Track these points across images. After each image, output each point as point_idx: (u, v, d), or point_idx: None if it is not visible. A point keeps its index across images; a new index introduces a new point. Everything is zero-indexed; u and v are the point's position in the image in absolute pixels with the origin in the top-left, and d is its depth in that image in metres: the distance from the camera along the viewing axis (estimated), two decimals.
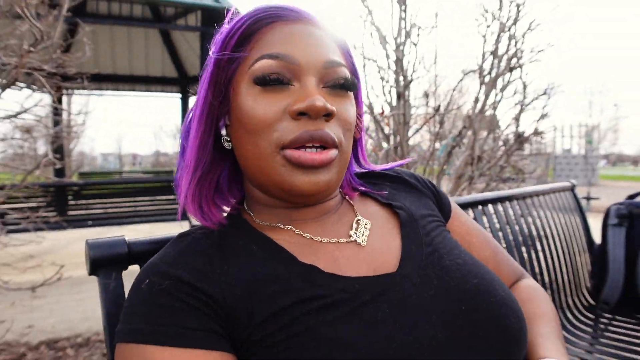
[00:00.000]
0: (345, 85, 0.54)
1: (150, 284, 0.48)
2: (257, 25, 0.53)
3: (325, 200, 0.58)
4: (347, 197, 0.64)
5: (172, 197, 5.05)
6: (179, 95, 8.12)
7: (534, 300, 0.66)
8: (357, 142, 0.65)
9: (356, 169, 0.68)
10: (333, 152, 0.51)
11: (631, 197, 1.71)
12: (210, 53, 0.55)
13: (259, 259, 0.51)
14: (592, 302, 1.69)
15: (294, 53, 0.51)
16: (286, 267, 0.50)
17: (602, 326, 1.50)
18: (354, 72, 0.59)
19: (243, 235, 0.55)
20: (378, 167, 0.70)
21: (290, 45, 0.52)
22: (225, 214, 0.60)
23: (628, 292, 1.58)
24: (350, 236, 0.56)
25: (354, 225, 0.58)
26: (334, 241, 0.55)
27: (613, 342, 1.36)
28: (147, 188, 5.09)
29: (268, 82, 0.51)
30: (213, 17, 4.03)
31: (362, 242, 0.55)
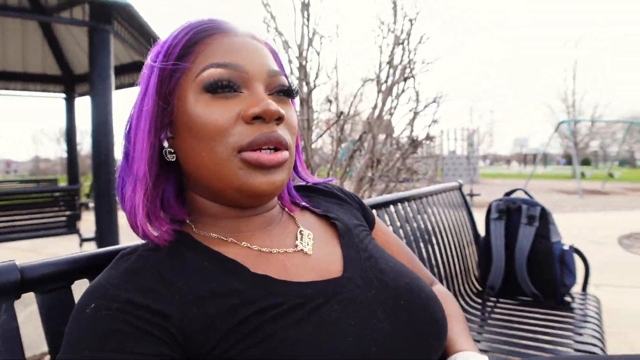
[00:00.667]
0: (288, 92, 0.58)
1: (95, 308, 0.45)
2: (199, 36, 0.55)
3: (269, 208, 0.61)
4: (286, 209, 0.67)
5: (55, 208, 4.55)
6: (63, 95, 7.32)
7: (446, 302, 0.73)
8: (296, 147, 0.68)
9: (293, 180, 0.71)
10: (286, 153, 0.54)
11: (508, 194, 1.95)
12: (150, 61, 0.55)
13: (211, 274, 0.51)
14: (479, 288, 1.89)
15: (241, 62, 0.54)
16: (240, 279, 0.51)
17: (488, 309, 1.69)
18: (288, 81, 0.62)
19: (191, 251, 0.54)
20: (312, 180, 0.74)
21: (236, 55, 0.54)
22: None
23: (508, 277, 1.80)
24: (297, 246, 0.59)
25: (298, 236, 0.61)
26: (282, 251, 0.58)
27: (499, 322, 1.55)
28: (25, 199, 4.51)
29: (219, 89, 0.52)
30: (103, 11, 3.71)
31: (308, 251, 0.59)
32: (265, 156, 0.52)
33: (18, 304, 0.55)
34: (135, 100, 0.57)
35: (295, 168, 0.71)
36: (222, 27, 0.56)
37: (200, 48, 0.54)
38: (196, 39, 0.54)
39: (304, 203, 0.69)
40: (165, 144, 0.56)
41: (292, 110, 0.59)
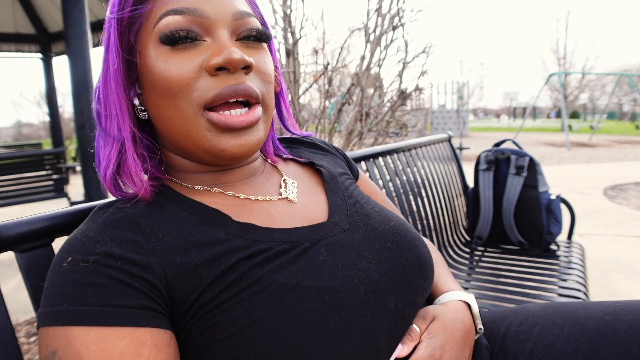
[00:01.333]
0: (258, 37, 0.53)
1: (73, 261, 0.43)
2: None
3: (251, 161, 0.59)
4: (269, 160, 0.65)
5: (42, 173, 4.47)
6: (40, 55, 7.03)
7: (429, 248, 0.74)
8: (278, 97, 0.65)
9: (277, 132, 0.69)
10: (258, 110, 0.51)
11: (497, 144, 1.95)
12: (108, 14, 0.49)
13: (194, 224, 0.49)
14: (468, 238, 1.93)
15: (201, 6, 0.48)
16: (224, 228, 0.50)
17: (476, 258, 1.72)
18: (263, 23, 0.57)
19: (172, 203, 0.52)
20: (297, 132, 0.72)
21: None
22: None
23: (496, 227, 1.82)
24: (281, 194, 0.58)
25: (282, 184, 0.60)
26: (267, 199, 0.57)
27: (486, 270, 1.58)
28: (9, 165, 4.41)
29: (177, 40, 0.47)
30: None
31: (293, 199, 0.58)
32: (235, 118, 0.48)
33: (11, 268, 0.53)
34: (101, 58, 0.53)
35: (281, 117, 0.68)
36: None
37: None
38: None
39: (286, 155, 0.68)
40: (136, 102, 0.53)
41: (264, 56, 0.54)
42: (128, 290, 0.42)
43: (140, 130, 0.55)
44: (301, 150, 0.72)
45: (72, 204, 4.45)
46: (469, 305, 0.63)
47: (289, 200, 0.58)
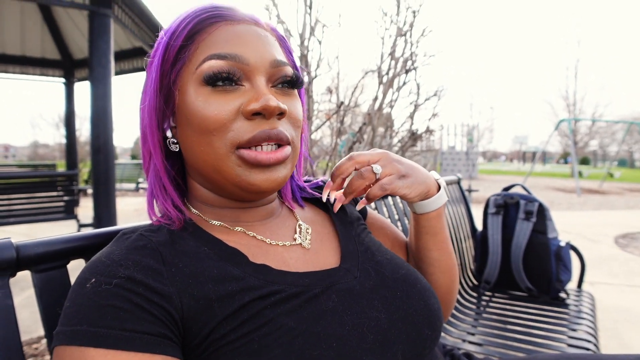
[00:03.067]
0: (292, 83, 0.56)
1: (96, 283, 0.44)
2: (201, 25, 0.53)
3: (269, 202, 0.61)
4: (286, 203, 0.67)
5: (54, 193, 4.53)
6: (63, 80, 7.27)
7: None
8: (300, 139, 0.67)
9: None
10: (287, 149, 0.53)
11: (506, 189, 1.95)
12: (153, 51, 0.54)
13: (212, 259, 0.51)
14: (475, 282, 1.90)
15: (242, 53, 0.52)
16: (240, 267, 0.51)
17: (484, 303, 1.70)
18: (296, 69, 0.60)
19: (193, 237, 0.54)
20: (302, 184, 0.73)
21: (237, 45, 0.52)
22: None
23: (504, 272, 1.80)
24: (296, 239, 0.60)
25: (297, 230, 0.61)
26: (282, 244, 0.58)
27: (494, 316, 1.55)
28: (24, 184, 4.49)
29: (218, 82, 0.51)
30: None
31: (306, 246, 0.59)
32: (264, 155, 0.51)
33: (14, 287, 0.55)
34: (142, 89, 0.57)
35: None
36: (224, 14, 0.54)
37: (202, 37, 0.53)
38: (197, 28, 0.53)
39: (296, 205, 0.69)
40: (169, 134, 0.56)
41: (296, 103, 0.57)
42: (147, 317, 0.43)
43: (171, 161, 0.59)
44: (315, 190, 0.74)
45: (81, 226, 4.48)
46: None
47: (302, 246, 0.59)
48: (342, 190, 0.63)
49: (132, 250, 0.49)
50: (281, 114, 0.52)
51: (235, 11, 0.55)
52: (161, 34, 0.55)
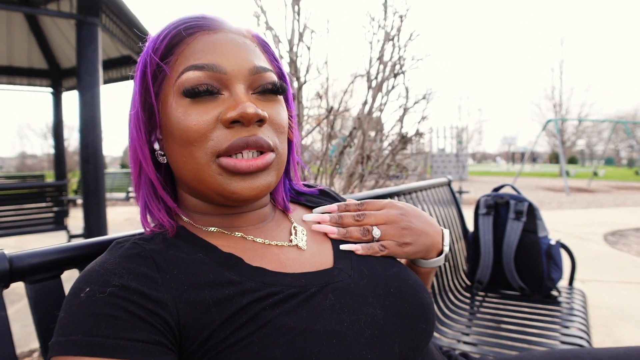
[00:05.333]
0: (274, 90, 0.56)
1: (90, 292, 0.44)
2: (179, 36, 0.53)
3: (261, 206, 0.62)
4: (279, 207, 0.68)
5: (43, 204, 4.48)
6: (50, 89, 7.20)
7: None
8: (290, 144, 0.67)
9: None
10: (270, 156, 0.53)
11: (496, 189, 1.97)
12: (137, 67, 0.55)
13: (207, 264, 0.51)
14: (468, 282, 1.91)
15: (220, 62, 0.52)
16: (236, 271, 0.51)
17: (477, 303, 1.71)
18: (281, 75, 0.61)
19: (187, 243, 0.54)
20: (301, 189, 0.74)
21: (215, 54, 0.52)
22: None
23: (496, 272, 1.82)
24: (292, 241, 0.60)
25: (292, 231, 0.62)
26: (278, 244, 0.59)
27: (487, 315, 1.57)
28: (12, 195, 4.43)
29: (197, 94, 0.51)
30: (91, 4, 3.65)
31: (302, 247, 0.60)
32: (244, 162, 0.51)
33: (6, 300, 0.55)
34: (130, 102, 0.58)
35: (287, 171, 0.70)
36: (201, 24, 0.54)
37: (180, 49, 0.53)
38: (176, 40, 0.53)
39: (290, 207, 0.69)
40: (156, 146, 0.57)
41: (279, 109, 0.56)
42: (142, 325, 0.43)
43: (161, 171, 0.59)
44: (311, 196, 0.75)
45: (71, 236, 4.43)
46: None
47: (298, 247, 0.60)
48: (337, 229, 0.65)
49: (126, 259, 0.49)
50: (260, 120, 0.52)
51: (214, 20, 0.55)
52: (145, 45, 0.56)
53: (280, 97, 0.58)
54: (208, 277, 0.50)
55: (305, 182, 0.79)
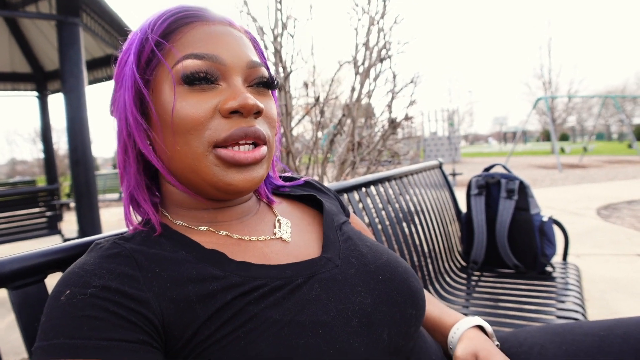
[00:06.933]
0: (267, 84, 0.57)
1: (70, 295, 0.44)
2: (177, 24, 0.53)
3: (245, 200, 0.61)
4: (263, 200, 0.67)
5: (35, 210, 4.44)
6: (36, 93, 7.10)
7: None
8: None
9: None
10: (264, 149, 0.54)
11: (486, 169, 1.97)
12: (123, 51, 0.54)
13: (190, 261, 0.51)
14: (463, 263, 1.92)
15: (220, 53, 0.52)
16: (220, 266, 0.51)
17: (473, 283, 1.72)
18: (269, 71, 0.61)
19: (168, 241, 0.53)
20: (280, 182, 0.73)
21: (214, 45, 0.52)
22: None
23: (490, 251, 1.83)
24: (275, 234, 0.60)
25: (276, 224, 0.62)
26: (262, 239, 0.58)
27: (483, 294, 1.58)
28: (3, 202, 4.38)
29: (196, 80, 0.50)
30: (71, 4, 3.58)
31: (287, 239, 0.59)
32: (242, 154, 0.51)
33: (2, 309, 0.54)
34: (112, 93, 0.56)
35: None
36: (199, 14, 0.54)
37: (177, 37, 0.52)
38: (172, 27, 0.52)
39: (274, 200, 0.69)
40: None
41: (271, 102, 0.58)
42: (124, 324, 0.43)
43: (143, 165, 0.58)
44: (298, 188, 0.75)
45: (66, 240, 4.41)
46: (482, 329, 0.68)
47: (283, 240, 0.59)
48: None
49: (106, 259, 0.48)
50: (258, 112, 0.52)
51: (210, 12, 0.55)
52: (133, 32, 0.54)
53: (270, 92, 0.59)
54: (191, 273, 0.49)
55: (290, 175, 0.78)
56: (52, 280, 0.54)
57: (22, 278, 0.56)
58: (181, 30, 0.53)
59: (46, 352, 0.41)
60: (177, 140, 0.51)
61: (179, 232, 0.55)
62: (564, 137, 41.51)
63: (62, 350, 0.40)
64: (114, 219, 6.99)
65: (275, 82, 0.58)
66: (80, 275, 0.46)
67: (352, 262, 0.58)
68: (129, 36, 0.55)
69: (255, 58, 0.56)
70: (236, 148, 0.51)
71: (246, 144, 0.52)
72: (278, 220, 0.63)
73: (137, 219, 0.58)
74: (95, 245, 0.53)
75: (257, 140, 0.52)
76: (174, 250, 0.52)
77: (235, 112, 0.51)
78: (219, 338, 0.45)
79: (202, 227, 0.57)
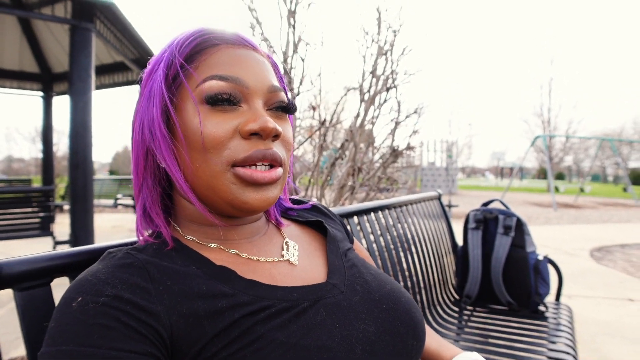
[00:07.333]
0: (286, 108, 0.58)
1: (82, 302, 0.44)
2: (203, 45, 0.55)
3: (256, 219, 0.62)
4: (272, 221, 0.68)
5: (29, 209, 4.41)
6: (41, 93, 7.14)
7: None
8: None
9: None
10: (279, 171, 0.55)
11: (485, 204, 1.99)
12: (149, 68, 0.56)
13: (200, 277, 0.51)
14: (457, 297, 1.92)
15: (243, 76, 0.54)
16: (229, 283, 0.51)
17: (465, 317, 1.72)
18: (287, 96, 0.63)
19: (180, 255, 0.54)
20: (289, 204, 0.75)
21: (238, 68, 0.54)
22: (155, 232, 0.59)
23: (484, 286, 1.83)
24: (283, 256, 0.61)
25: (284, 247, 0.63)
26: (270, 260, 0.59)
27: (475, 330, 1.57)
28: None
29: (219, 102, 0.52)
30: (85, 9, 3.64)
31: (294, 262, 0.60)
32: (259, 173, 0.52)
33: None
34: (136, 105, 0.57)
35: None
36: (224, 37, 0.56)
37: (202, 57, 0.54)
38: (198, 48, 0.54)
39: (283, 222, 0.70)
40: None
41: (288, 126, 0.59)
42: (134, 335, 0.43)
43: (158, 178, 0.59)
44: (305, 212, 0.76)
45: (57, 243, 4.36)
46: None
47: (290, 262, 0.60)
48: None
49: (119, 268, 0.49)
50: (276, 135, 0.54)
51: (235, 35, 0.57)
52: (162, 49, 0.56)
53: (288, 116, 0.61)
54: (201, 289, 0.50)
55: (297, 197, 0.79)
56: (56, 284, 0.55)
57: (30, 280, 0.57)
58: (207, 51, 0.54)
59: (53, 358, 0.41)
60: (196, 158, 0.53)
61: (189, 247, 0.56)
62: (560, 176, 41.79)
63: (71, 357, 0.41)
64: (107, 225, 6.93)
65: (293, 107, 0.60)
66: (93, 283, 0.46)
67: (357, 290, 0.58)
68: (157, 52, 0.57)
69: (276, 83, 0.58)
70: (253, 167, 0.53)
71: (263, 164, 0.53)
72: (286, 242, 0.64)
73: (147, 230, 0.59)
74: (107, 253, 0.53)
75: (274, 163, 0.54)
76: (185, 264, 0.53)
77: (254, 134, 0.53)
78: (225, 356, 0.45)
79: (213, 244, 0.58)
